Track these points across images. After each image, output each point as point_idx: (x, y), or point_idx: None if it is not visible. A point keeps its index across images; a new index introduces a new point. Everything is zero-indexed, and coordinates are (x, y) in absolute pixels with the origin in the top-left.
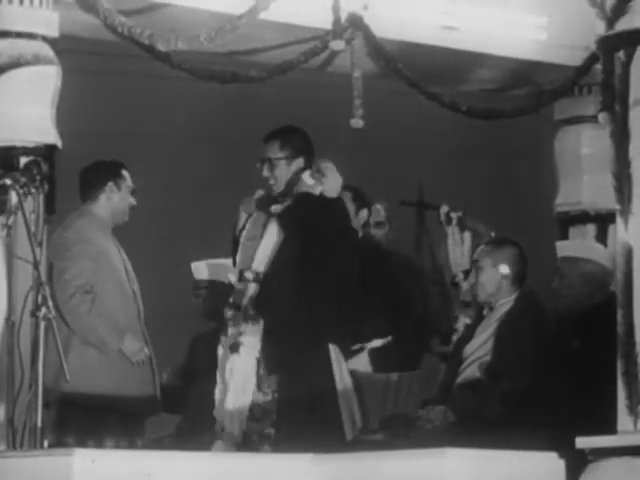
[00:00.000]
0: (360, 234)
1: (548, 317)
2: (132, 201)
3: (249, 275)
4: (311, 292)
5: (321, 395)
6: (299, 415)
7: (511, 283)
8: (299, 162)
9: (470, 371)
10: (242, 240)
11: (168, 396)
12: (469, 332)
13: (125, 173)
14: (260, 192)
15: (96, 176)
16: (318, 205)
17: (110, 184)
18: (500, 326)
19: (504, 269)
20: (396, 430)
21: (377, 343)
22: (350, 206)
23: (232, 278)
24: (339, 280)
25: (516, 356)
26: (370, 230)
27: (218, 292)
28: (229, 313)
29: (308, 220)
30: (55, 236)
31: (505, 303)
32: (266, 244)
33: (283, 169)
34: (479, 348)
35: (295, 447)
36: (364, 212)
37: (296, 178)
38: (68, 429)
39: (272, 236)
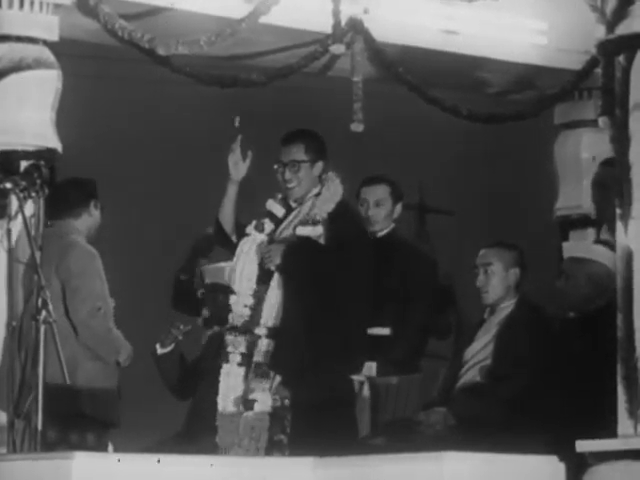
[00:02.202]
0: (393, 226)
1: (548, 321)
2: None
3: (261, 331)
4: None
5: (339, 401)
6: (314, 421)
7: (516, 286)
8: (319, 166)
9: (470, 375)
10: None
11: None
12: (470, 335)
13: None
14: (271, 201)
15: (80, 194)
16: (321, 253)
17: (92, 202)
18: (500, 330)
19: (516, 272)
20: (397, 434)
21: (377, 331)
22: (388, 200)
23: (233, 300)
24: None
25: (516, 360)
26: None
27: (225, 298)
28: (229, 338)
29: (314, 269)
30: (62, 254)
31: (506, 307)
32: (274, 296)
33: (307, 172)
34: (479, 352)
35: (308, 453)
36: (399, 206)
37: (313, 183)
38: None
39: (278, 288)
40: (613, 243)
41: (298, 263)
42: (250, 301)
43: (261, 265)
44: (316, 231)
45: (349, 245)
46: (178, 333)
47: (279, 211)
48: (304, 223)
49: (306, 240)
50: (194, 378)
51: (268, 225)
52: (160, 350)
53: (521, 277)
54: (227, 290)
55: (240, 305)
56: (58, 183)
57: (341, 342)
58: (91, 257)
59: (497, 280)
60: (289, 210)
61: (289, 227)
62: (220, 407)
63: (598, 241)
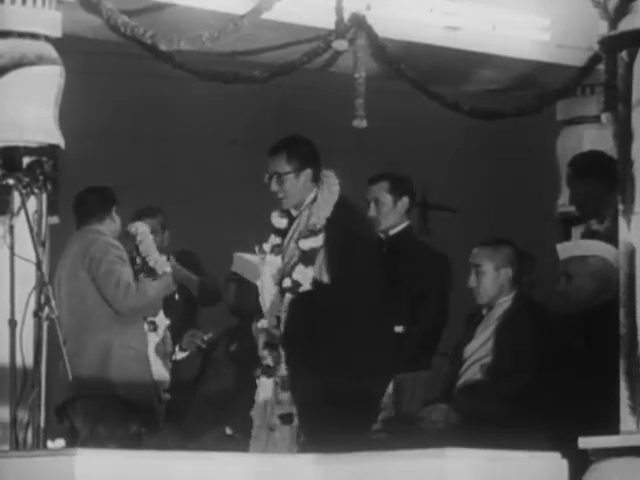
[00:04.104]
0: (407, 223)
1: (547, 315)
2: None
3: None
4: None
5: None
6: (328, 414)
7: (510, 283)
8: (307, 174)
9: (471, 372)
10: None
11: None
12: (469, 332)
13: None
14: (275, 214)
15: (102, 200)
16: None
17: (114, 208)
18: (499, 326)
19: (507, 272)
20: (398, 430)
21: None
22: (387, 198)
23: (263, 325)
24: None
25: (516, 357)
26: None
27: (244, 289)
28: (265, 353)
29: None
30: (86, 249)
31: (503, 302)
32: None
33: (292, 183)
34: (479, 349)
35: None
36: (404, 200)
37: (305, 191)
38: (105, 421)
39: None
40: (603, 233)
41: (303, 323)
42: (275, 322)
43: (281, 287)
44: (318, 241)
45: (352, 256)
46: (201, 342)
47: (281, 223)
48: (305, 236)
49: (305, 296)
50: (205, 371)
51: (273, 240)
52: (179, 354)
53: (516, 274)
54: (245, 283)
55: (270, 326)
56: (79, 192)
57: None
58: (113, 246)
59: (488, 280)
60: (291, 219)
61: (291, 240)
62: (258, 421)
63: (589, 232)
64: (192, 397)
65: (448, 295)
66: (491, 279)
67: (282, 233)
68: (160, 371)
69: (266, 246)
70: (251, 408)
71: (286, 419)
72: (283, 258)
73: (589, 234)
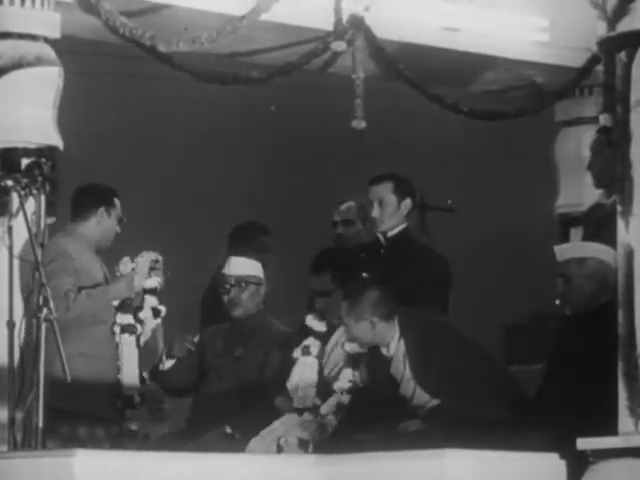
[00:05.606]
0: (405, 225)
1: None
2: (117, 229)
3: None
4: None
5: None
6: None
7: (386, 322)
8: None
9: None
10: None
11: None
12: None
13: (117, 201)
14: (310, 317)
15: (89, 199)
16: None
17: (102, 209)
18: (412, 370)
19: (372, 320)
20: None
21: None
22: (392, 198)
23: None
24: None
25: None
26: (337, 229)
27: (241, 291)
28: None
29: None
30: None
31: (393, 341)
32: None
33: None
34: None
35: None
36: (408, 201)
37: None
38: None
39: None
40: (609, 207)
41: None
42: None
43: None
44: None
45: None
46: (191, 346)
47: (320, 326)
48: (352, 340)
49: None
50: (200, 376)
51: (314, 346)
52: (167, 363)
53: (386, 314)
54: (242, 286)
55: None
56: (78, 187)
57: None
58: (62, 256)
59: (356, 331)
60: (329, 325)
61: (338, 345)
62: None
63: (597, 205)
64: (192, 400)
65: (448, 298)
66: (359, 329)
67: (320, 336)
68: (131, 375)
69: (313, 349)
70: (253, 409)
71: (280, 448)
72: (322, 361)
73: (596, 208)
